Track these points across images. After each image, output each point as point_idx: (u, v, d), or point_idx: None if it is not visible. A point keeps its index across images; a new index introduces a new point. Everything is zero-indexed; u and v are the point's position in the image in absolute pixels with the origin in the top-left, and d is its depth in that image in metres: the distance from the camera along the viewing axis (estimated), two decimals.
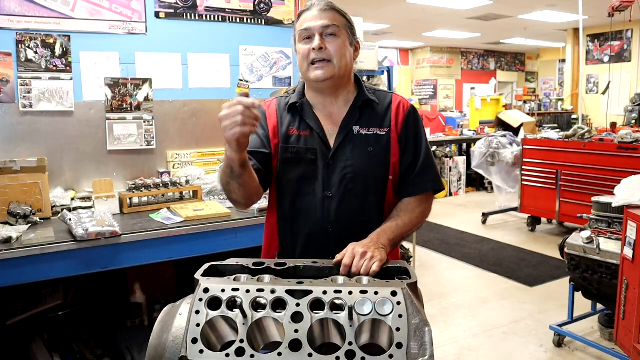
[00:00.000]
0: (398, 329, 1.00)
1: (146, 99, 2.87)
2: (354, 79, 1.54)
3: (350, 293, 1.06)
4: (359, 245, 1.29)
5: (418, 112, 1.55)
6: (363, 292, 1.06)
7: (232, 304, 1.06)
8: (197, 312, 1.04)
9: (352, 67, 1.50)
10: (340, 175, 1.44)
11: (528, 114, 10.21)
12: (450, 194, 7.95)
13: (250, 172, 1.36)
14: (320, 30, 1.41)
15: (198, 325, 1.02)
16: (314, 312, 1.04)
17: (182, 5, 2.91)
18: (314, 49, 1.40)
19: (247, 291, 1.07)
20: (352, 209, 1.45)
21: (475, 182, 8.29)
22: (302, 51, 1.44)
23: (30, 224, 2.27)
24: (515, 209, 6.08)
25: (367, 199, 1.46)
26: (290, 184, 1.48)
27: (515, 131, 7.52)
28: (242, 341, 1.00)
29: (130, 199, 2.55)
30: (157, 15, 2.86)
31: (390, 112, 1.49)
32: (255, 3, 3.11)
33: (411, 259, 4.25)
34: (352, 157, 1.44)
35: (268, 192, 1.56)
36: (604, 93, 7.75)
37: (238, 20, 3.08)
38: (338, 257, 1.27)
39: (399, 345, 0.98)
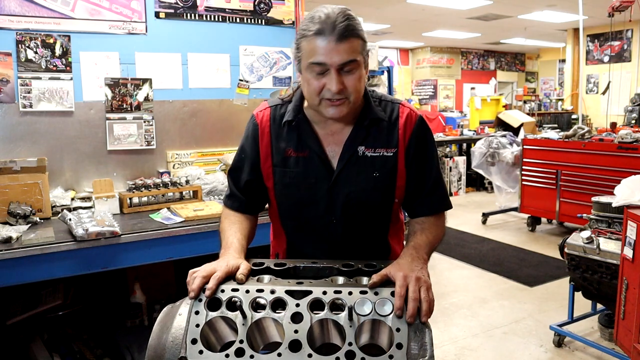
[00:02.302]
0: (398, 330, 1.00)
1: (146, 99, 2.87)
2: None
3: (350, 293, 1.06)
4: (407, 270, 1.14)
5: (427, 125, 1.41)
6: (363, 292, 1.06)
7: (232, 304, 1.06)
8: (197, 312, 1.04)
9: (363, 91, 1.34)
10: (343, 201, 1.34)
11: (528, 114, 10.20)
12: (450, 194, 7.95)
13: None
14: (337, 67, 1.20)
15: (197, 325, 1.02)
16: (314, 312, 1.04)
17: (182, 5, 2.91)
18: (329, 89, 1.22)
19: (247, 291, 1.07)
20: (357, 234, 1.39)
21: (475, 182, 8.29)
22: (312, 84, 1.23)
23: (30, 224, 2.27)
24: (515, 209, 6.08)
25: (372, 223, 1.41)
26: (291, 208, 1.42)
27: (515, 131, 7.51)
28: (241, 342, 1.00)
29: (130, 199, 2.55)
30: (157, 15, 2.86)
31: (397, 128, 1.35)
32: (255, 3, 3.11)
33: None
34: (357, 181, 1.33)
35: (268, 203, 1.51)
36: (604, 93, 7.75)
37: (238, 20, 3.08)
38: (375, 278, 1.11)
39: (399, 346, 0.98)
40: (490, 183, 7.55)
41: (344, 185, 1.34)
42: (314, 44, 1.20)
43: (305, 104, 1.37)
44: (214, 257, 1.54)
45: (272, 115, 1.40)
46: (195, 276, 1.11)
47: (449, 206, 1.43)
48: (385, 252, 1.48)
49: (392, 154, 1.35)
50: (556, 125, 8.71)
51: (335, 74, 1.21)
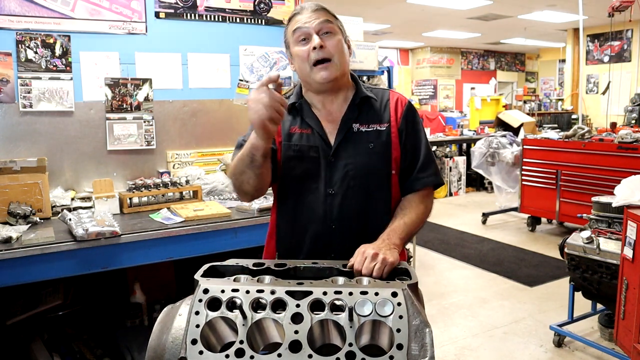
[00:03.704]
0: (398, 330, 1.00)
1: (146, 99, 2.87)
2: (351, 78, 1.55)
3: (351, 294, 1.06)
4: (370, 247, 1.28)
5: (415, 108, 1.56)
6: (363, 292, 1.06)
7: (232, 304, 1.06)
8: (197, 312, 1.04)
9: (349, 65, 1.51)
10: (342, 172, 1.44)
11: (528, 114, 10.20)
12: (450, 194, 7.94)
13: (268, 164, 1.38)
14: (316, 28, 1.40)
15: (197, 326, 1.02)
16: (314, 312, 1.04)
17: (182, 5, 2.91)
18: (314, 48, 1.39)
19: (247, 292, 1.07)
20: (355, 206, 1.45)
21: (475, 182, 8.28)
22: (300, 53, 1.42)
23: (30, 224, 2.27)
24: (515, 209, 6.07)
25: (370, 195, 1.46)
26: (293, 181, 1.48)
27: (515, 131, 7.51)
28: (241, 342, 1.00)
29: (130, 199, 2.55)
30: (157, 15, 2.86)
31: (389, 107, 1.50)
32: (255, 3, 3.11)
33: (411, 259, 4.25)
34: (354, 154, 1.44)
35: (270, 189, 1.57)
36: (604, 93, 7.75)
37: (238, 20, 3.08)
38: (351, 261, 1.26)
39: (400, 347, 0.98)
40: (490, 183, 7.55)
41: (342, 158, 1.45)
42: (294, 20, 1.45)
43: (304, 90, 1.53)
44: (215, 257, 1.54)
45: None
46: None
47: (441, 182, 1.55)
48: None
49: (384, 128, 1.48)
50: (556, 125, 8.70)
51: (315, 35, 1.40)
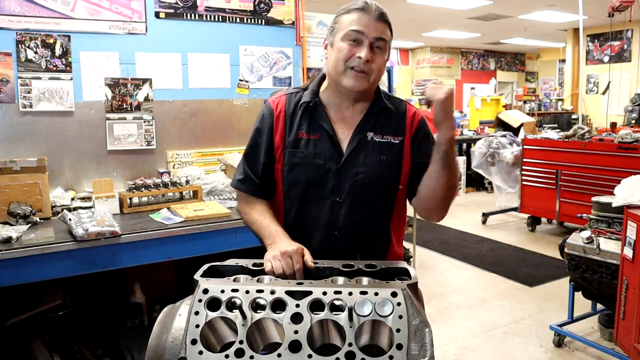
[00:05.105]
0: (398, 330, 1.00)
1: (146, 99, 2.87)
2: None
3: (350, 294, 1.06)
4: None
5: (427, 124, 1.54)
6: (363, 292, 1.06)
7: (232, 304, 1.06)
8: (197, 313, 1.04)
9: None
10: (351, 182, 1.41)
11: (528, 114, 10.20)
12: None
13: None
14: (372, 40, 1.37)
15: (197, 326, 1.02)
16: (314, 312, 1.04)
17: (182, 5, 2.91)
18: (359, 57, 1.36)
19: (247, 292, 1.07)
20: (361, 216, 1.43)
21: (475, 182, 8.29)
22: (344, 50, 1.37)
23: (30, 224, 2.27)
24: (515, 209, 6.08)
25: (376, 206, 1.44)
26: (297, 188, 1.44)
27: (515, 131, 7.51)
28: (241, 342, 1.00)
29: (130, 199, 2.55)
30: (157, 15, 2.86)
31: (405, 120, 1.48)
32: (255, 3, 3.11)
33: (411, 259, 4.25)
34: (365, 163, 1.41)
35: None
36: (604, 93, 7.75)
37: (238, 20, 3.08)
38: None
39: (399, 347, 0.98)
40: (490, 183, 7.55)
41: (353, 166, 1.42)
42: (355, 16, 1.38)
43: (322, 87, 1.49)
44: (215, 257, 1.54)
45: (287, 101, 1.50)
46: (279, 259, 1.24)
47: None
48: (386, 242, 1.48)
49: (398, 141, 1.46)
50: (556, 125, 8.69)
51: (367, 46, 1.37)
